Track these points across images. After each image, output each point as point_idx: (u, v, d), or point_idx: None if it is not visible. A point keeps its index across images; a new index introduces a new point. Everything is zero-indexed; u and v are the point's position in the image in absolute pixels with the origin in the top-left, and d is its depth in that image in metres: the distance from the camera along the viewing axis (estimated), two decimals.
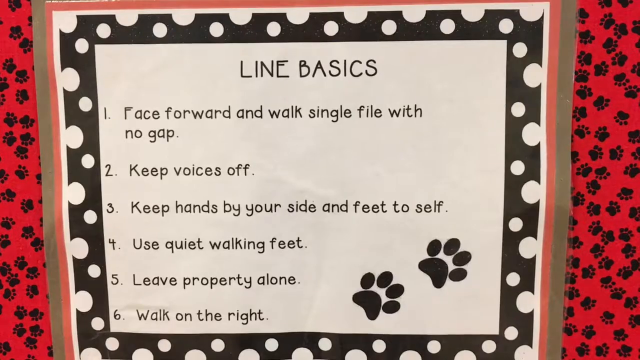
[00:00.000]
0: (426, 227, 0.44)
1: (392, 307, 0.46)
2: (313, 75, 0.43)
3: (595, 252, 0.45)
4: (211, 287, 0.45)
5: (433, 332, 0.46)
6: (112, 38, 0.43)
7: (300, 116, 0.43)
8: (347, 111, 0.43)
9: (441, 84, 0.43)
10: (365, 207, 0.44)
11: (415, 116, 0.43)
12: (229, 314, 0.46)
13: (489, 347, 0.46)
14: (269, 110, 0.43)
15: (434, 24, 0.42)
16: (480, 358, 0.46)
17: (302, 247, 0.45)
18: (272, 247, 0.45)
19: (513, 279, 0.45)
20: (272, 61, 0.43)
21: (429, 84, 0.43)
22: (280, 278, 0.45)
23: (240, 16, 0.43)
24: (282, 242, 0.45)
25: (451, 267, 0.45)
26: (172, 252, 0.45)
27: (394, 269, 0.45)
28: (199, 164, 0.44)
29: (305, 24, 0.43)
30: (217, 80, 0.43)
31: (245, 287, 0.45)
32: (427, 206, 0.44)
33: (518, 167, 0.44)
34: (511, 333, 0.46)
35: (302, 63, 0.43)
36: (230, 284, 0.45)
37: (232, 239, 0.45)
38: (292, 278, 0.45)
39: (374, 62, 0.43)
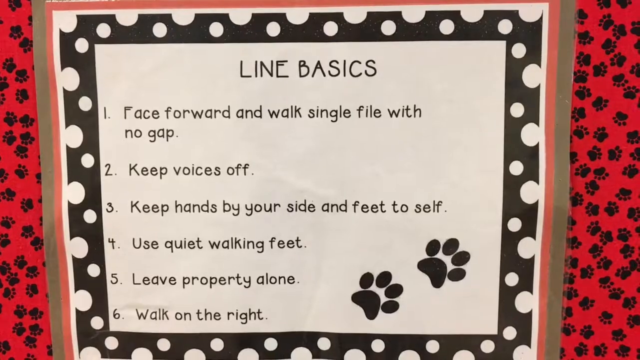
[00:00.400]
0: (425, 227, 0.44)
1: (391, 307, 0.46)
2: (312, 76, 0.43)
3: (593, 253, 0.45)
4: (210, 287, 0.45)
5: (432, 331, 0.46)
6: (112, 38, 0.43)
7: (300, 116, 0.43)
8: (347, 111, 0.43)
9: (440, 85, 0.43)
10: (365, 207, 0.44)
11: (415, 116, 0.43)
12: (228, 314, 0.46)
13: (487, 347, 0.46)
14: (269, 110, 0.43)
15: (434, 24, 0.42)
16: (479, 358, 0.46)
17: (301, 246, 0.45)
18: (272, 247, 0.45)
19: (512, 279, 0.45)
20: (272, 61, 0.43)
21: (428, 84, 0.43)
22: (280, 278, 0.45)
23: (240, 16, 0.43)
24: (281, 242, 0.45)
25: (450, 267, 0.45)
26: (172, 251, 0.45)
27: (393, 268, 0.45)
28: (199, 164, 0.44)
29: (305, 24, 0.43)
30: (216, 80, 0.43)
31: (245, 286, 0.45)
32: (426, 206, 0.44)
33: (517, 168, 0.44)
34: (510, 333, 0.46)
35: (302, 63, 0.43)
36: (229, 283, 0.45)
37: (232, 238, 0.45)
38: (291, 278, 0.45)
39: (374, 62, 0.43)
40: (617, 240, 0.45)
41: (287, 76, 0.43)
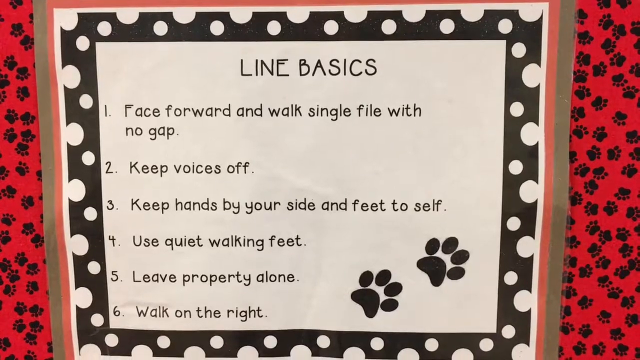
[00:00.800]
0: (424, 225, 0.45)
1: (391, 305, 0.46)
2: (313, 74, 0.43)
3: (592, 252, 0.45)
4: (210, 285, 0.46)
5: (431, 330, 0.46)
6: (113, 36, 0.43)
7: (300, 115, 0.44)
8: (347, 110, 0.43)
9: (440, 84, 0.43)
10: (364, 205, 0.44)
11: (415, 115, 0.43)
12: (228, 311, 0.46)
13: (486, 345, 0.46)
14: (269, 109, 0.44)
15: (434, 23, 0.42)
16: (478, 356, 0.46)
17: (301, 244, 0.45)
18: (272, 245, 0.45)
19: (511, 278, 0.45)
20: (272, 60, 0.43)
21: (428, 84, 0.43)
22: (279, 275, 0.46)
23: (241, 15, 0.43)
24: (281, 240, 0.45)
25: (449, 265, 0.45)
26: (172, 249, 0.45)
27: (392, 267, 0.45)
28: (199, 162, 0.44)
29: (306, 22, 0.43)
30: (217, 79, 0.43)
31: (245, 284, 0.46)
32: (426, 205, 0.44)
33: (516, 167, 0.44)
34: (508, 331, 0.46)
35: (302, 62, 0.43)
36: (229, 281, 0.46)
37: (232, 236, 0.45)
38: (291, 276, 0.46)
39: (374, 61, 0.43)
40: (616, 239, 0.45)
41: (287, 75, 0.43)
